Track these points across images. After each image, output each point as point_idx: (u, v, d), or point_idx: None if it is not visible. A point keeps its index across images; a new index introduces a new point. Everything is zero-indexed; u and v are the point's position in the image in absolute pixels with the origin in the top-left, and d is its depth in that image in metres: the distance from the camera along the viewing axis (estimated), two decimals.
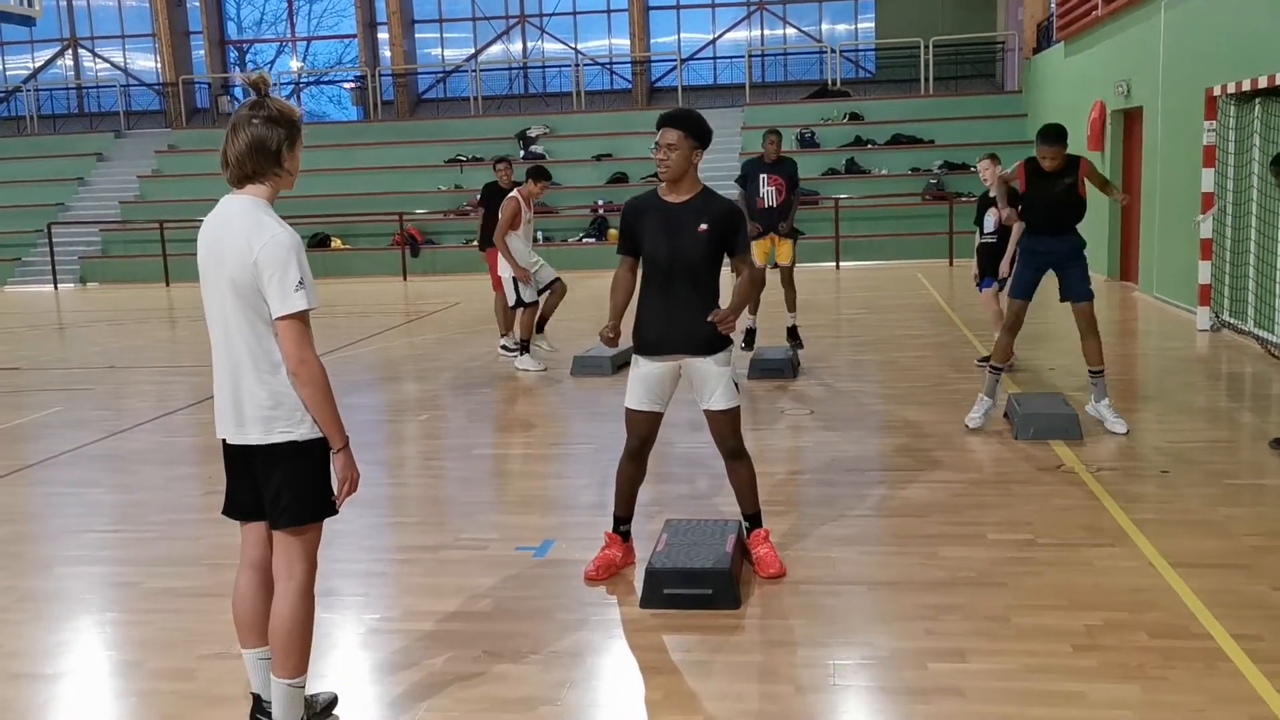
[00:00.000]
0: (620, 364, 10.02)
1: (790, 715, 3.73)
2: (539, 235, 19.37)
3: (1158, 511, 5.66)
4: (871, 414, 8.18)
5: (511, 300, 10.21)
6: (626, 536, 5.05)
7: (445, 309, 15.57)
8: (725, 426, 4.87)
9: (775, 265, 10.07)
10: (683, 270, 4.70)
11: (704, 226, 4.69)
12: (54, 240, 21.65)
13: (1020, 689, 3.80)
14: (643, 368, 4.84)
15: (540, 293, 10.22)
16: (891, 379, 9.40)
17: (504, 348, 11.32)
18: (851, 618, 4.48)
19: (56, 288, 21.37)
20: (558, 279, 10.32)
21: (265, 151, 3.34)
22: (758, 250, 9.67)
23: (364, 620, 4.55)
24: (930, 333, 11.78)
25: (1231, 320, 10.82)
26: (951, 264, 19.12)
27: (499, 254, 10.01)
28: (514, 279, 10.05)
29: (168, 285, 20.88)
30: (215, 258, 3.35)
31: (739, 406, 4.90)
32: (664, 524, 5.19)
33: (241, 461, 3.45)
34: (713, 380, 4.79)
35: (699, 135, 4.69)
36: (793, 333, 10.27)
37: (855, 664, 4.06)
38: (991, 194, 9.21)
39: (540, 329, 10.38)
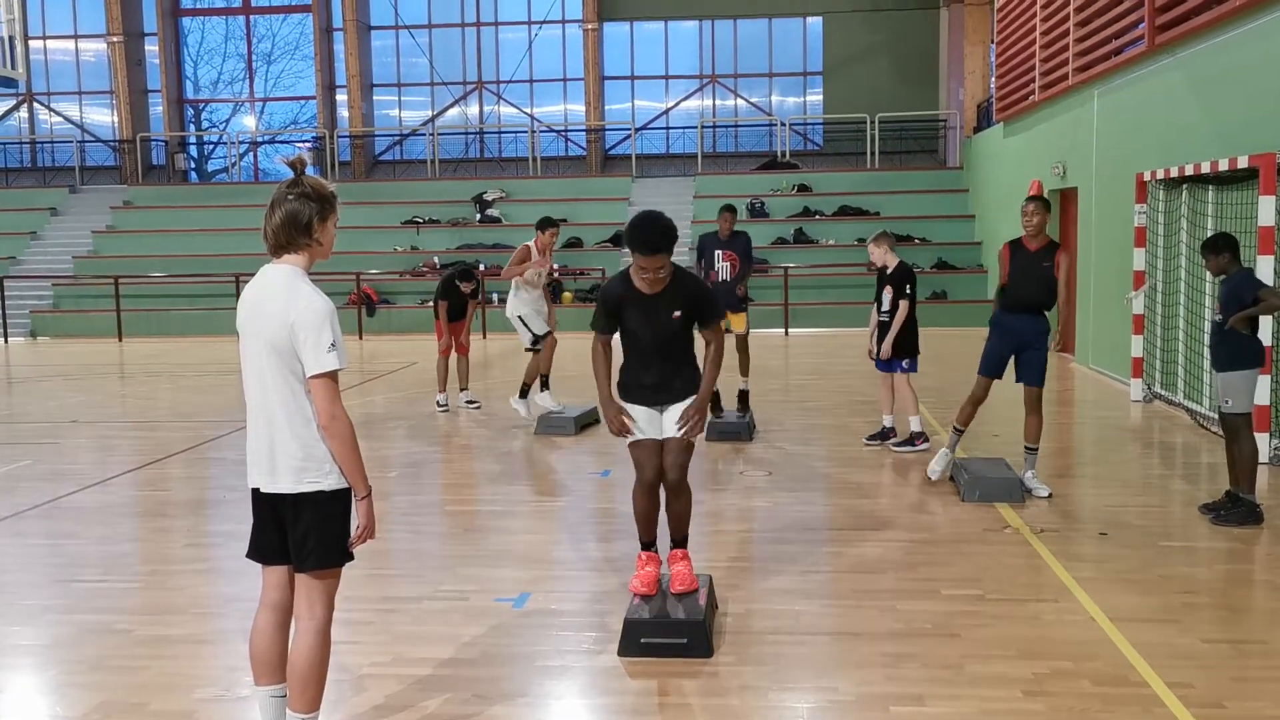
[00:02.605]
0: (584, 424, 10.35)
1: None
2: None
3: (1097, 570, 6.07)
4: (825, 476, 8.55)
5: (527, 340, 10.53)
6: (656, 550, 5.40)
7: (402, 369, 15.78)
8: (675, 457, 5.23)
9: (729, 330, 10.45)
10: (661, 347, 5.19)
11: (677, 314, 5.16)
12: (5, 294, 21.58)
13: None
14: (632, 409, 5.28)
15: (533, 345, 10.57)
16: (842, 442, 9.79)
17: (468, 402, 11.69)
18: (817, 665, 4.80)
19: (7, 341, 21.26)
20: (550, 332, 10.64)
21: (297, 224, 3.67)
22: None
23: (357, 666, 4.79)
24: (877, 399, 12.20)
25: (1163, 392, 11.39)
26: None
27: (511, 292, 10.46)
28: (519, 318, 10.41)
29: (120, 340, 20.86)
30: (255, 320, 3.65)
31: (692, 444, 5.31)
32: None
33: (270, 508, 3.72)
34: (678, 412, 5.26)
35: (675, 242, 5.06)
36: (743, 398, 10.56)
37: (823, 707, 4.37)
38: (889, 272, 9.59)
39: (545, 385, 10.67)
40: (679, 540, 5.40)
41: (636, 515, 5.37)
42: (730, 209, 10.47)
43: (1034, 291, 7.63)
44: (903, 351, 9.43)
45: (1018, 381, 7.81)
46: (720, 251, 10.24)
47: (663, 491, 5.33)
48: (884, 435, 9.75)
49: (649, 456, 5.26)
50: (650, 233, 4.96)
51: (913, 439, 9.37)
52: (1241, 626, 5.30)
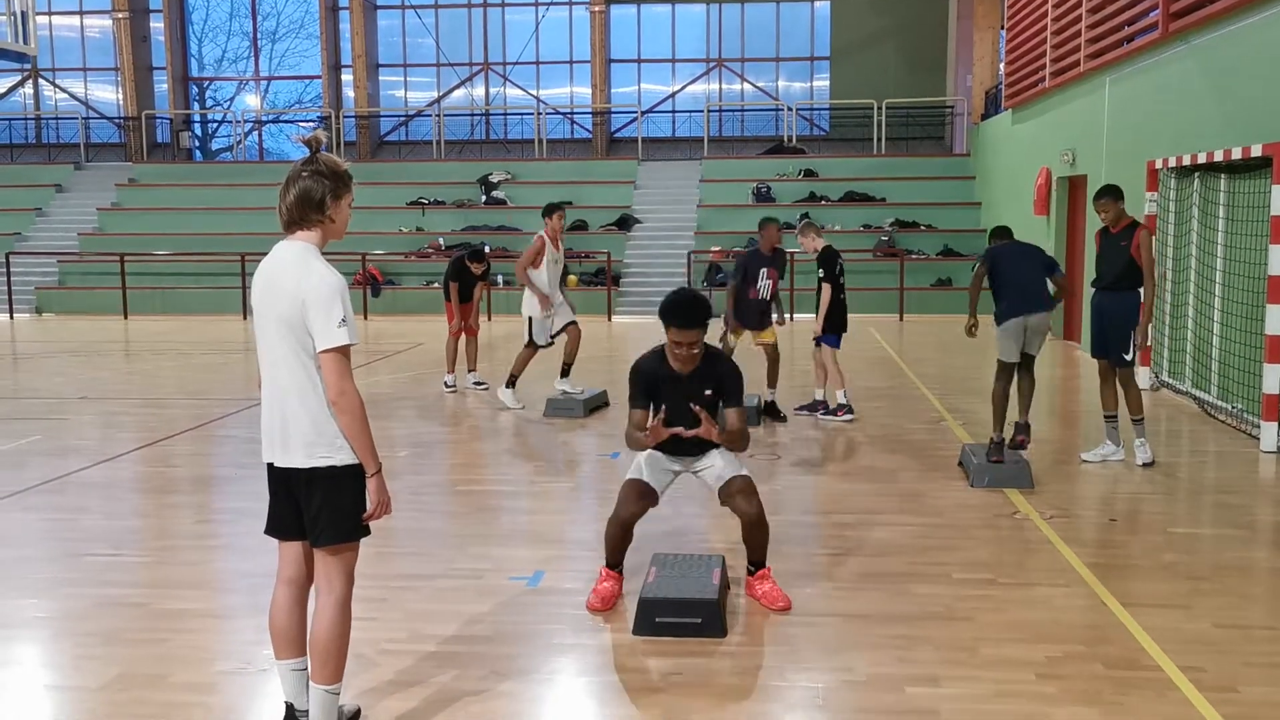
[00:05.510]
0: (592, 408, 10.36)
1: None
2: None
3: (1106, 556, 6.09)
4: (834, 460, 8.57)
5: (525, 339, 10.49)
6: (621, 572, 5.41)
7: (408, 349, 15.79)
8: (743, 493, 5.23)
9: (760, 343, 10.14)
10: (694, 422, 5.09)
11: (709, 392, 5.18)
12: (11, 270, 21.58)
13: (991, 711, 4.16)
14: (652, 455, 5.33)
15: (554, 335, 10.53)
16: (850, 428, 9.79)
17: (476, 383, 11.71)
18: (830, 646, 4.82)
19: (12, 318, 21.28)
20: (574, 323, 10.60)
21: (310, 201, 3.68)
22: (735, 337, 9.98)
23: (373, 642, 4.80)
24: (884, 384, 12.24)
25: (1170, 380, 11.40)
26: (902, 319, 19.76)
27: (524, 286, 10.34)
28: (529, 319, 10.37)
29: (125, 318, 20.87)
30: (268, 296, 3.65)
31: (749, 476, 5.32)
32: (651, 557, 5.50)
33: (284, 484, 3.73)
34: (715, 461, 5.34)
35: (710, 319, 5.11)
36: (770, 409, 10.06)
37: (838, 686, 4.39)
38: (815, 256, 9.94)
39: (565, 374, 10.66)
40: (758, 563, 5.38)
41: (606, 539, 5.35)
42: (774, 220, 10.08)
43: (1112, 270, 8.07)
44: (826, 328, 9.93)
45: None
46: (765, 269, 9.85)
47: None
48: (812, 407, 10.21)
49: (633, 499, 5.25)
50: (688, 307, 5.02)
51: (835, 410, 10.00)
52: (1251, 612, 5.31)
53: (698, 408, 5.02)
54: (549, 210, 10.52)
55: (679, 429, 5.07)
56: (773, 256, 9.96)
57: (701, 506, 6.94)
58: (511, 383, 10.57)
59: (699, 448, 5.33)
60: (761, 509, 5.28)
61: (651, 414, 5.20)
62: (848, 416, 9.95)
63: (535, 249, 10.33)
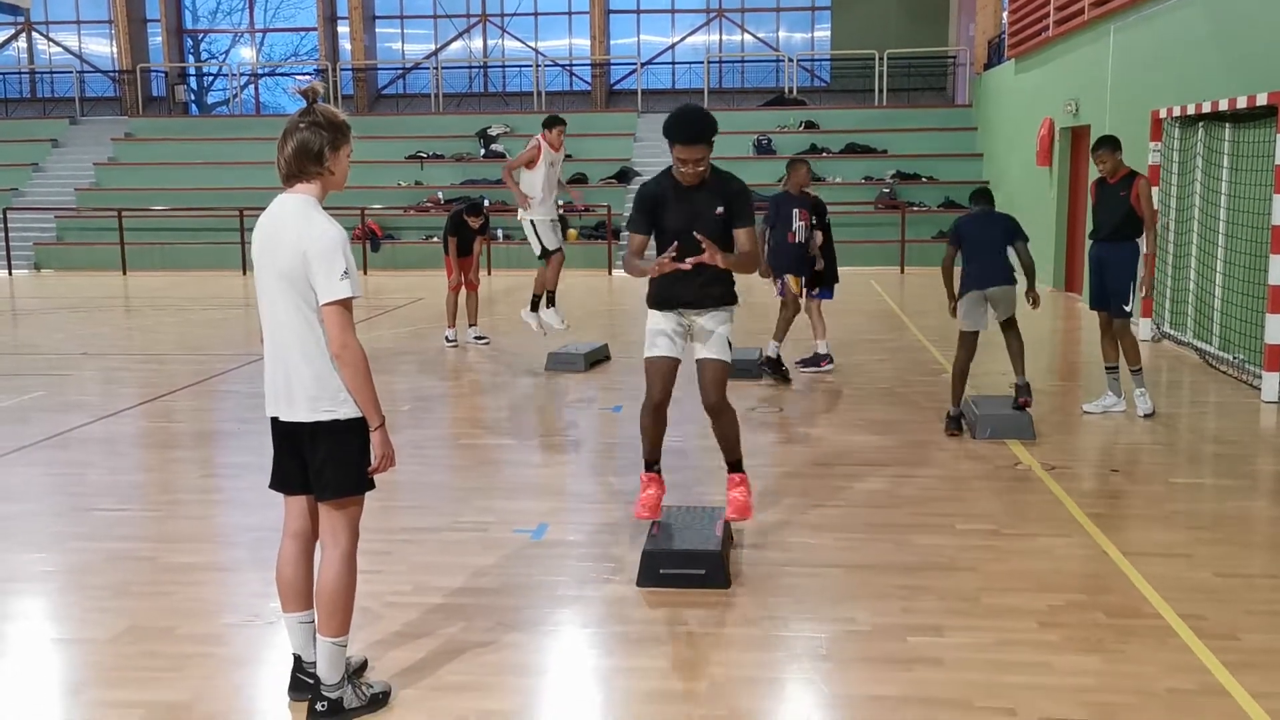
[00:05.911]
0: (593, 361, 10.36)
1: (786, 681, 4.10)
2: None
3: (1108, 506, 6.12)
4: (836, 414, 8.59)
5: (537, 249, 10.42)
6: (659, 472, 5.40)
7: (408, 304, 15.76)
8: (711, 378, 5.22)
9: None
10: (700, 245, 4.93)
11: (720, 210, 5.07)
12: (8, 225, 21.49)
13: (993, 659, 4.20)
14: (658, 321, 5.25)
15: (542, 255, 10.46)
16: (852, 381, 9.80)
17: (477, 338, 11.70)
18: (833, 596, 4.85)
19: (11, 273, 21.23)
20: (559, 250, 10.51)
21: (309, 153, 3.65)
22: (796, 284, 9.71)
23: (378, 595, 4.83)
24: (886, 337, 12.23)
25: (1172, 331, 11.39)
26: (903, 271, 19.70)
27: (515, 191, 10.27)
28: (531, 223, 10.26)
29: (124, 273, 20.82)
30: (269, 250, 3.64)
31: (728, 364, 5.26)
32: None
33: (289, 438, 3.73)
34: (708, 332, 5.23)
35: (715, 134, 5.01)
36: (773, 364, 9.72)
37: (841, 636, 4.43)
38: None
39: (551, 302, 10.60)
40: (733, 464, 5.40)
41: (642, 432, 5.35)
42: (804, 161, 9.87)
43: (1110, 220, 8.03)
44: (821, 280, 9.97)
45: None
46: (797, 210, 9.52)
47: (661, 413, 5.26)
48: (815, 361, 10.17)
49: (659, 376, 5.22)
50: (691, 121, 4.92)
51: (817, 360, 10.09)
52: (1252, 561, 5.35)
53: (698, 235, 4.87)
54: (550, 123, 10.31)
55: (684, 263, 4.88)
56: (802, 198, 9.68)
57: (704, 458, 6.97)
58: (550, 301, 10.51)
59: (699, 296, 5.17)
60: (722, 398, 5.22)
61: (657, 247, 5.09)
62: (829, 366, 10.06)
63: (528, 155, 10.21)
